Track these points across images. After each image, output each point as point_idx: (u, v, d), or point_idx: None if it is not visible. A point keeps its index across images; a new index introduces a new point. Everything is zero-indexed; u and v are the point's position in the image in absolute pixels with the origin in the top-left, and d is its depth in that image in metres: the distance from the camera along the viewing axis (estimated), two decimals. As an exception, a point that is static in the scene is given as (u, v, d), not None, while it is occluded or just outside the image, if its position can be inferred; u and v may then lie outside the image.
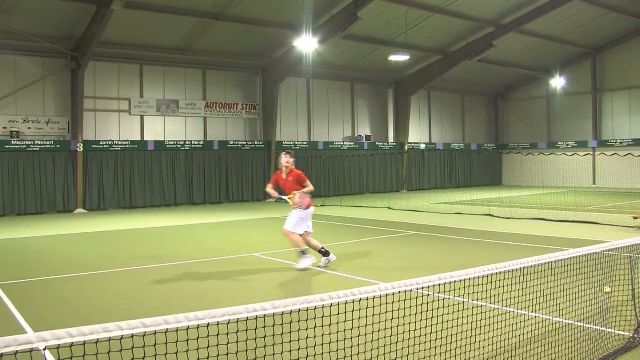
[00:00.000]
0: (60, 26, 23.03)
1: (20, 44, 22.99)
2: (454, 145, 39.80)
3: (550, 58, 36.43)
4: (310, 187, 10.62)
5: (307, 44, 24.67)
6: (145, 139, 27.05)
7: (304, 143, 32.20)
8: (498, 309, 6.35)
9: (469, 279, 4.84)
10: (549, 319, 6.59)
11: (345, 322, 4.50)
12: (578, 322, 6.29)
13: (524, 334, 5.92)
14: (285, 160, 10.71)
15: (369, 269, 10.49)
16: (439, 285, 4.63)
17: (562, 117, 39.68)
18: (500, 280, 6.16)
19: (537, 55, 35.69)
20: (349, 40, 27.75)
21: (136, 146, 26.40)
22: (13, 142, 23.47)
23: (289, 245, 10.92)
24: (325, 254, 10.59)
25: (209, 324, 3.06)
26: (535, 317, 6.52)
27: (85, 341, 2.73)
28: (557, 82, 37.71)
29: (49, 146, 24.27)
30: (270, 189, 10.83)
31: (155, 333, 2.97)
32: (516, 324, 6.00)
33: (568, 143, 38.93)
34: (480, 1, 27.04)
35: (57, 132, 24.73)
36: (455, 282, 4.72)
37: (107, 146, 25.69)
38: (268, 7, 24.41)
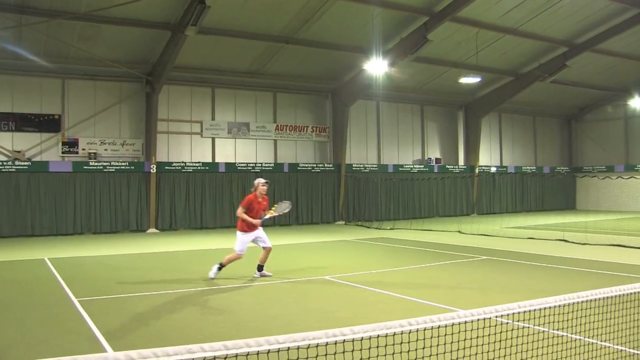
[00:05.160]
0: (136, 52, 23.89)
1: (99, 69, 24.05)
2: (525, 168, 38.84)
3: (629, 77, 34.81)
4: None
5: (376, 67, 24.68)
6: (217, 160, 27.55)
7: (374, 166, 32.11)
8: (580, 339, 6.11)
9: (550, 307, 4.67)
10: (637, 354, 6.22)
11: (423, 348, 4.39)
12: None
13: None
14: (266, 188, 12.28)
15: (442, 294, 10.28)
16: (519, 313, 4.48)
17: (643, 138, 38.11)
18: (582, 310, 5.93)
19: (615, 75, 34.33)
20: (419, 62, 27.59)
21: (207, 168, 26.92)
22: (91, 163, 24.35)
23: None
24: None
25: (289, 347, 3.04)
26: (621, 350, 6.19)
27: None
28: (637, 103, 36.06)
29: (123, 167, 25.04)
30: (251, 219, 11.86)
31: (236, 356, 2.97)
32: (600, 356, 5.74)
33: (649, 166, 37.34)
34: (552, 21, 26.35)
35: (132, 154, 25.53)
36: (535, 310, 4.56)
37: (180, 167, 26.30)
38: (338, 31, 24.60)
